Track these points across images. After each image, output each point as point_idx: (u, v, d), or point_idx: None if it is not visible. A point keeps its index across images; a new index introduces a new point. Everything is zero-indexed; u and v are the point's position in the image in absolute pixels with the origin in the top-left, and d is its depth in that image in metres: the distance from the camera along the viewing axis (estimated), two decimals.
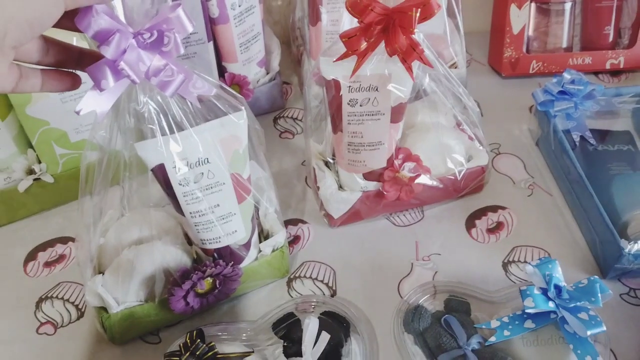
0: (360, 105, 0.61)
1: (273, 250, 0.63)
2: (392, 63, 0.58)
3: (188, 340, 0.52)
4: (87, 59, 0.45)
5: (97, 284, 0.56)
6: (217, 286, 0.58)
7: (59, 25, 0.39)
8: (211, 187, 0.54)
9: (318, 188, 0.70)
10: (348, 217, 0.70)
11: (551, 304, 0.51)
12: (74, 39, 0.58)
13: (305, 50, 0.88)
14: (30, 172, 0.72)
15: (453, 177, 0.69)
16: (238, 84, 0.83)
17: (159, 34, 0.43)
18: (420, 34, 0.58)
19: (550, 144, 0.75)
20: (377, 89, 0.60)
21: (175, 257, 0.58)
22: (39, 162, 0.73)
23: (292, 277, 0.66)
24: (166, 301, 0.56)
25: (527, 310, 0.51)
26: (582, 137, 0.75)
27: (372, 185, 0.68)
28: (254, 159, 0.61)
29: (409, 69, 0.56)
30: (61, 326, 0.62)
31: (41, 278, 0.68)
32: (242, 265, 0.61)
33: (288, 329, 0.57)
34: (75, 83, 0.46)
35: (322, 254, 0.69)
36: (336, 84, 0.61)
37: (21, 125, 0.69)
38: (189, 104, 0.51)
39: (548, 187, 0.76)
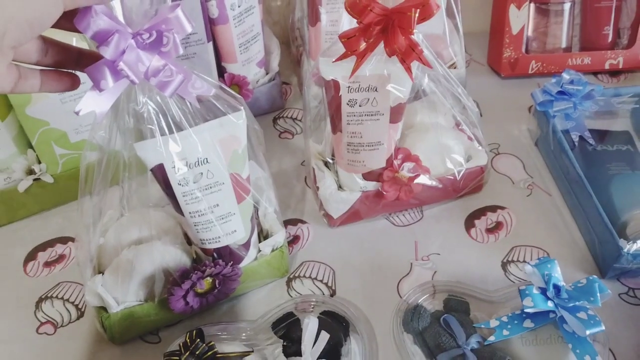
0: (360, 106, 0.61)
1: (272, 250, 0.63)
2: (391, 63, 0.58)
3: (188, 340, 0.53)
4: (86, 60, 0.45)
5: (96, 284, 0.56)
6: (217, 286, 0.58)
7: (58, 25, 0.39)
8: (210, 187, 0.54)
9: (317, 188, 0.70)
10: (347, 217, 0.70)
11: (550, 304, 0.51)
12: (74, 40, 0.59)
13: (304, 50, 0.88)
14: (30, 172, 0.73)
15: (452, 177, 0.69)
16: (237, 84, 0.83)
17: (158, 35, 0.43)
18: (419, 34, 0.58)
19: (549, 144, 0.75)
20: (376, 90, 0.60)
21: (174, 257, 0.58)
22: (39, 162, 0.73)
23: (291, 276, 0.66)
24: (166, 301, 0.56)
25: (526, 310, 0.51)
26: (581, 137, 0.75)
27: (371, 185, 0.68)
28: (254, 159, 0.61)
29: (408, 70, 0.56)
30: (61, 326, 0.63)
31: (41, 278, 0.68)
32: (242, 265, 0.61)
33: (287, 328, 0.57)
34: (74, 83, 0.46)
35: (322, 253, 0.69)
36: (335, 85, 0.61)
37: (21, 126, 0.69)
38: (188, 104, 0.51)
39: (547, 187, 0.76)
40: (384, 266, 0.66)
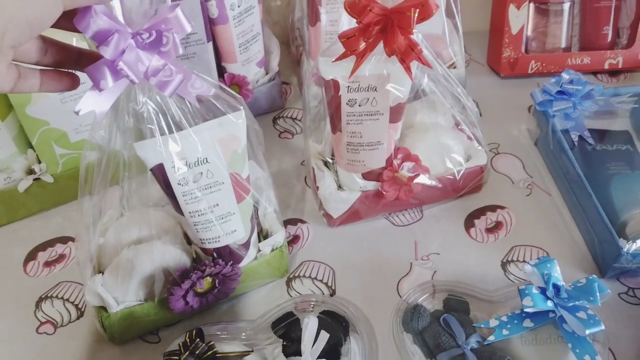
0: (359, 105, 0.61)
1: (272, 250, 0.63)
2: (391, 63, 0.58)
3: (187, 340, 0.53)
4: (86, 59, 0.45)
5: (96, 284, 0.56)
6: (217, 285, 0.58)
7: (57, 25, 0.40)
8: (210, 187, 0.54)
9: (317, 188, 0.70)
10: (347, 217, 0.70)
11: (550, 303, 0.51)
12: (74, 40, 0.59)
13: (304, 50, 0.88)
14: (30, 172, 0.73)
15: (452, 177, 0.69)
16: (237, 84, 0.83)
17: (158, 34, 0.43)
18: (418, 34, 0.58)
19: (549, 143, 0.75)
20: (375, 89, 0.60)
21: (174, 256, 0.58)
22: (39, 162, 0.73)
23: (291, 276, 0.66)
24: (165, 301, 0.56)
25: (526, 310, 0.52)
26: (580, 137, 0.75)
27: (371, 185, 0.68)
28: (253, 158, 0.61)
29: (408, 69, 0.56)
30: (61, 326, 0.63)
31: (41, 278, 0.68)
32: (242, 264, 0.61)
33: (287, 328, 0.57)
34: (74, 83, 0.46)
35: (322, 253, 0.69)
36: (335, 84, 0.61)
37: (21, 126, 0.69)
38: (188, 103, 0.51)
39: (547, 187, 0.76)
40: (384, 266, 0.66)
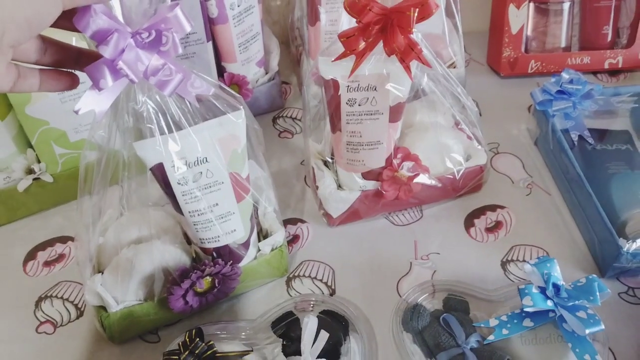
0: (359, 105, 0.61)
1: (272, 250, 0.63)
2: (391, 63, 0.58)
3: (187, 339, 0.53)
4: (85, 59, 0.45)
5: (96, 283, 0.56)
6: (216, 285, 0.58)
7: (57, 25, 0.39)
8: (210, 186, 0.54)
9: (317, 187, 0.70)
10: (347, 217, 0.70)
11: (550, 303, 0.51)
12: (73, 39, 0.59)
13: (304, 50, 0.88)
14: (30, 171, 0.73)
15: (452, 177, 0.69)
16: (237, 83, 0.83)
17: (157, 34, 0.43)
18: (418, 33, 0.58)
19: (548, 143, 0.75)
20: (375, 89, 0.60)
21: (174, 256, 0.58)
22: (39, 161, 0.73)
23: (291, 276, 0.66)
24: (165, 300, 0.56)
25: (526, 309, 0.52)
26: (580, 137, 0.75)
27: (370, 185, 0.68)
28: (253, 158, 0.61)
29: (407, 69, 0.56)
30: (60, 325, 0.63)
31: (41, 277, 0.68)
32: (241, 264, 0.61)
33: (287, 327, 0.57)
34: (73, 83, 0.46)
35: (321, 253, 0.69)
36: (335, 84, 0.61)
37: (21, 125, 0.69)
38: (188, 103, 0.51)
39: (547, 187, 0.76)
40: (384, 265, 0.66)
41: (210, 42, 0.80)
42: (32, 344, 0.61)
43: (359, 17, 0.54)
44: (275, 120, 0.90)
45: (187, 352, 0.51)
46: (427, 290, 0.61)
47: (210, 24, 0.78)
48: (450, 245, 0.69)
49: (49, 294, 0.66)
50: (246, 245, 0.61)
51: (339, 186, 0.69)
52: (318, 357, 0.53)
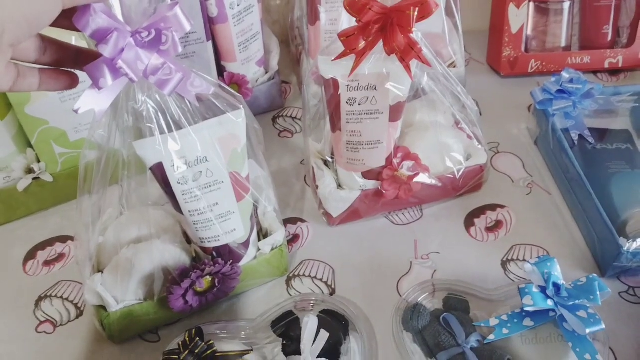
0: (359, 104, 0.61)
1: (272, 249, 0.63)
2: (391, 62, 0.58)
3: (187, 339, 0.52)
4: (84, 58, 0.45)
5: (96, 283, 0.56)
6: (216, 285, 0.58)
7: (57, 24, 0.39)
8: (210, 186, 0.54)
9: (317, 187, 0.70)
10: (347, 216, 0.70)
11: (550, 302, 0.51)
12: (73, 39, 0.58)
13: (304, 49, 0.88)
14: (30, 171, 0.73)
15: (452, 176, 0.69)
16: (237, 83, 0.83)
17: (157, 33, 0.43)
18: (418, 32, 0.58)
19: (549, 142, 0.75)
20: (375, 88, 0.60)
21: (174, 255, 0.58)
22: (38, 161, 0.73)
23: (291, 275, 0.66)
24: (165, 300, 0.56)
25: (526, 309, 0.51)
26: (580, 136, 0.75)
27: (371, 184, 0.68)
28: (253, 157, 0.61)
29: (407, 68, 0.56)
30: (60, 325, 0.63)
31: (40, 277, 0.68)
32: (241, 263, 0.61)
33: (287, 327, 0.57)
34: (73, 82, 0.46)
35: (321, 252, 0.69)
36: (335, 83, 0.61)
37: (20, 125, 0.69)
38: (188, 102, 0.51)
39: (547, 186, 0.76)
40: (384, 265, 0.66)
41: (210, 42, 0.80)
42: (31, 343, 0.61)
43: (359, 16, 0.54)
44: (275, 120, 0.90)
45: (187, 352, 0.51)
46: (428, 289, 0.60)
47: (210, 23, 0.78)
48: (451, 244, 0.69)
49: (48, 294, 0.66)
50: (246, 244, 0.60)
51: (339, 185, 0.69)
52: (318, 356, 0.53)
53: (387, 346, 0.58)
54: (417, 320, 0.57)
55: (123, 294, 0.57)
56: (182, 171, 0.52)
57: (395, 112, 0.62)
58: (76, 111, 0.43)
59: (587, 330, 0.49)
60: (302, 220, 0.73)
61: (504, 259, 0.66)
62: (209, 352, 0.51)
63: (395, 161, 0.66)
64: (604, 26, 0.92)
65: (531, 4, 0.91)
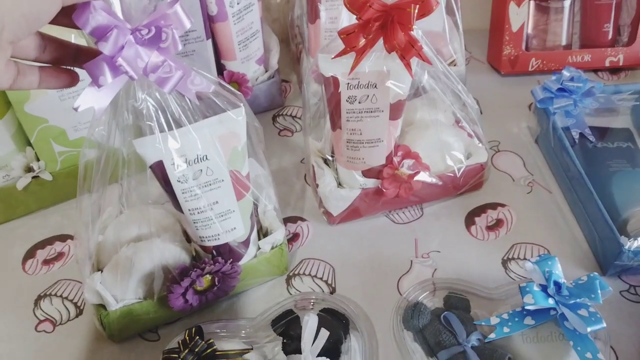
0: (359, 102, 0.61)
1: (272, 248, 0.63)
2: (391, 60, 0.58)
3: (187, 338, 0.52)
4: (84, 56, 0.45)
5: (95, 282, 0.56)
6: (216, 283, 0.58)
7: (56, 21, 0.39)
8: (210, 184, 0.54)
9: (317, 185, 0.70)
10: (347, 215, 0.70)
11: (551, 301, 0.51)
12: (72, 36, 0.58)
13: (304, 48, 0.88)
14: (29, 169, 0.72)
15: (452, 175, 0.69)
16: (237, 81, 0.83)
17: (157, 30, 0.43)
18: (418, 30, 0.58)
19: (549, 141, 0.75)
20: (375, 86, 0.60)
21: (174, 254, 0.57)
22: (38, 159, 0.72)
23: (291, 274, 0.66)
24: (165, 298, 0.56)
25: (527, 307, 0.51)
26: (581, 135, 0.75)
27: (371, 183, 0.68)
28: (253, 156, 0.61)
29: (408, 66, 0.56)
30: (60, 324, 0.62)
31: (40, 276, 0.68)
32: (241, 262, 0.60)
33: (287, 326, 0.57)
34: (73, 80, 0.46)
35: (321, 251, 0.69)
36: (335, 81, 0.61)
37: (19, 123, 0.69)
38: (188, 100, 0.51)
39: (547, 185, 0.76)
40: (384, 264, 0.66)
41: (210, 40, 0.79)
42: (31, 342, 0.61)
43: (359, 13, 0.54)
44: (275, 119, 0.90)
45: (186, 351, 0.51)
46: (428, 288, 0.60)
47: (209, 21, 0.78)
48: (451, 243, 0.68)
49: (48, 293, 0.66)
50: (246, 243, 0.60)
51: (339, 184, 0.69)
52: (318, 355, 0.52)
53: (388, 345, 0.58)
54: (417, 319, 0.57)
55: (123, 293, 0.57)
56: (182, 169, 0.52)
57: (396, 110, 0.62)
58: (76, 109, 0.43)
59: (588, 329, 0.48)
60: (302, 219, 0.73)
61: (505, 258, 0.66)
62: (208, 350, 0.51)
63: (396, 159, 0.66)
64: (604, 24, 0.92)
65: (532, 2, 0.91)
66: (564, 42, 0.93)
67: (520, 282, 0.61)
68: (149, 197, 0.60)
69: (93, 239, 0.58)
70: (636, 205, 0.64)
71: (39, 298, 0.65)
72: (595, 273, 0.52)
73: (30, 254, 0.71)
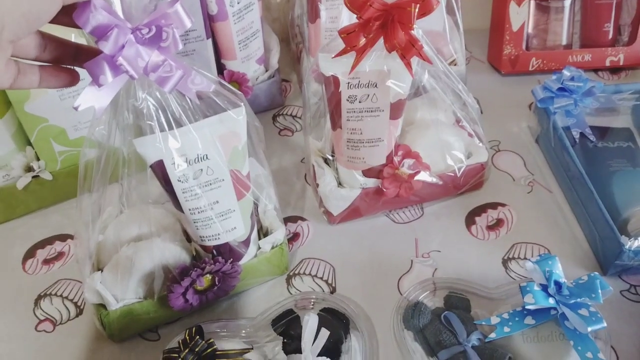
0: (360, 102, 0.61)
1: (272, 247, 0.63)
2: (391, 59, 0.58)
3: (187, 337, 0.52)
4: (84, 55, 0.45)
5: (95, 281, 0.56)
6: (216, 283, 0.58)
7: (56, 21, 0.39)
8: (210, 184, 0.54)
9: (317, 185, 0.70)
10: (347, 214, 0.70)
11: (551, 300, 0.51)
12: (72, 36, 0.58)
13: (304, 47, 0.88)
14: (29, 169, 0.72)
15: (452, 174, 0.69)
16: (237, 81, 0.83)
17: (157, 30, 0.43)
18: (419, 30, 0.58)
19: (550, 141, 0.75)
20: (376, 85, 0.60)
21: (174, 254, 0.57)
22: (38, 159, 0.72)
23: (291, 274, 0.66)
24: (165, 298, 0.56)
25: (527, 307, 0.51)
26: (582, 134, 0.75)
27: (371, 182, 0.68)
28: (254, 156, 0.61)
29: (408, 65, 0.56)
30: (60, 323, 0.62)
31: (40, 275, 0.68)
32: (242, 262, 0.60)
33: (287, 325, 0.57)
34: (73, 79, 0.46)
35: (322, 251, 0.68)
36: (335, 81, 0.61)
37: (20, 123, 0.69)
38: (188, 100, 0.51)
39: (548, 184, 0.75)
40: (384, 263, 0.66)
41: (210, 39, 0.79)
42: (31, 342, 0.61)
43: (360, 13, 0.54)
44: (275, 118, 0.90)
45: (187, 350, 0.51)
46: (428, 288, 0.60)
47: (210, 20, 0.78)
48: (451, 243, 0.68)
49: (48, 292, 0.66)
50: (246, 243, 0.60)
51: (340, 184, 0.69)
52: (319, 355, 0.52)
53: (388, 344, 0.57)
54: (417, 319, 0.57)
55: (123, 293, 0.57)
56: (182, 169, 0.52)
57: (396, 109, 0.62)
58: (76, 108, 0.43)
59: (589, 329, 0.48)
60: (303, 219, 0.73)
61: (505, 257, 0.66)
62: (209, 350, 0.51)
63: (396, 159, 0.66)
64: (605, 24, 0.92)
65: (532, 1, 0.91)
66: (564, 42, 0.93)
67: (520, 281, 0.61)
68: (149, 197, 0.60)
69: (93, 239, 0.58)
70: (636, 205, 0.64)
71: (39, 298, 0.65)
72: (596, 273, 0.52)
73: (30, 253, 0.71)
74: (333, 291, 0.64)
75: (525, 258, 0.66)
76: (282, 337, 0.56)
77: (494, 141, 0.82)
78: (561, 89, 0.74)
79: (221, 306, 0.63)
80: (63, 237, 0.72)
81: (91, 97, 0.43)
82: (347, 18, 0.68)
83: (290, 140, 0.86)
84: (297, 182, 0.78)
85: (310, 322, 0.54)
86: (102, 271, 0.57)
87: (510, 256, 0.66)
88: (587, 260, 0.65)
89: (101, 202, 0.57)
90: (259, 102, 0.88)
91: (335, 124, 0.65)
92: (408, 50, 0.55)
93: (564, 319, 0.51)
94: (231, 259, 0.58)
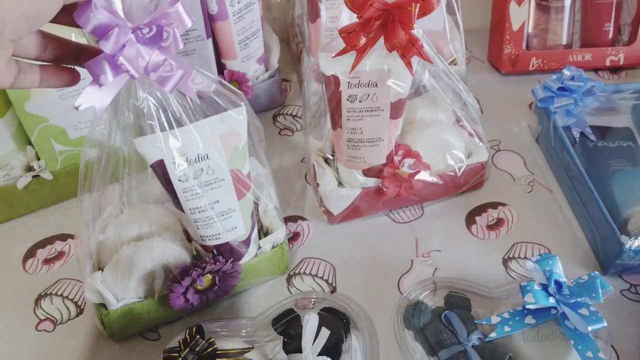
0: (360, 101, 0.61)
1: (273, 247, 0.63)
2: (392, 59, 0.58)
3: (187, 337, 0.52)
4: (85, 55, 0.45)
5: (96, 281, 0.56)
6: (217, 283, 0.58)
7: (57, 20, 0.39)
8: (211, 183, 0.54)
9: (318, 185, 0.70)
10: (348, 214, 0.70)
11: (552, 300, 0.51)
12: (73, 35, 0.58)
13: (304, 47, 0.88)
14: (29, 169, 0.72)
15: (453, 174, 0.69)
16: (237, 81, 0.83)
17: (158, 29, 0.43)
18: (419, 29, 0.58)
19: (550, 140, 0.75)
20: (376, 85, 0.60)
21: (174, 253, 0.57)
22: (38, 159, 0.72)
23: (291, 273, 0.66)
24: (166, 298, 0.56)
25: (528, 306, 0.51)
26: (582, 134, 0.75)
27: (371, 182, 0.68)
28: (254, 155, 0.61)
29: (408, 65, 0.56)
30: (60, 323, 0.62)
31: (40, 275, 0.68)
32: (242, 261, 0.60)
33: (288, 325, 0.57)
34: (74, 79, 0.46)
35: (322, 250, 0.68)
36: (335, 80, 0.61)
37: (20, 122, 0.69)
38: (189, 99, 0.51)
39: (548, 184, 0.75)
40: (385, 263, 0.66)
41: (210, 39, 0.79)
42: (31, 341, 0.61)
43: (360, 12, 0.54)
44: (275, 118, 0.90)
45: (187, 350, 0.51)
46: (429, 287, 0.60)
47: (210, 20, 0.78)
48: (452, 242, 0.68)
49: (48, 292, 0.66)
50: (247, 242, 0.60)
51: (340, 183, 0.69)
52: (319, 354, 0.52)
53: (389, 344, 0.58)
54: (418, 318, 0.57)
55: (123, 292, 0.57)
56: (183, 168, 0.52)
57: (396, 109, 0.62)
58: (77, 108, 0.43)
59: (589, 328, 0.48)
60: (303, 218, 0.73)
61: (505, 257, 0.66)
62: (209, 350, 0.51)
63: (396, 159, 0.66)
64: (605, 24, 0.92)
65: (532, 1, 0.91)
66: (564, 41, 0.93)
67: (521, 281, 0.61)
68: (149, 196, 0.60)
69: (94, 238, 0.58)
70: (637, 205, 0.64)
71: (40, 297, 0.65)
72: (596, 272, 0.52)
73: (30, 253, 0.71)
74: (333, 291, 0.64)
75: (525, 257, 0.66)
76: (282, 337, 0.56)
77: (494, 141, 0.82)
78: (561, 89, 0.74)
79: (221, 306, 0.63)
80: (63, 237, 0.72)
81: (92, 96, 0.43)
82: (348, 17, 0.68)
83: (291, 139, 0.86)
84: (298, 182, 0.78)
85: (310, 321, 0.54)
86: (102, 271, 0.57)
87: (511, 256, 0.66)
88: (587, 260, 0.65)
89: (102, 202, 0.57)
90: (260, 101, 0.88)
91: (336, 123, 0.65)
92: (408, 49, 0.55)
93: (564, 318, 0.51)
94: (232, 259, 0.58)
